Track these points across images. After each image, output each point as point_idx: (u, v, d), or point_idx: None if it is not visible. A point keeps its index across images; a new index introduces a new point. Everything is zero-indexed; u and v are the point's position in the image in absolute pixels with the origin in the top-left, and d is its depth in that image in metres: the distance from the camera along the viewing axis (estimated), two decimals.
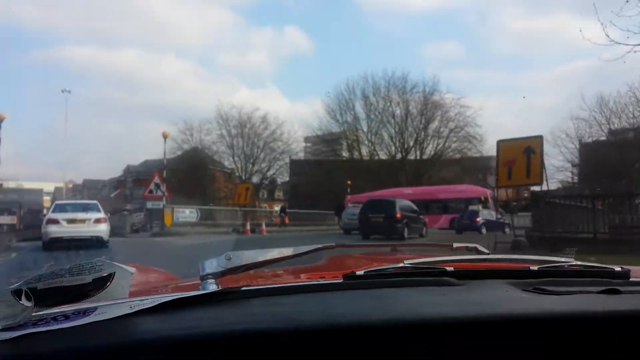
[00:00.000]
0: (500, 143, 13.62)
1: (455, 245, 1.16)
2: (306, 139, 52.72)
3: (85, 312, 0.71)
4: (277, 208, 43.74)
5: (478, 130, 44.64)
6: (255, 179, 50.88)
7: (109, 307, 0.73)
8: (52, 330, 0.66)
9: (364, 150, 49.06)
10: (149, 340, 0.64)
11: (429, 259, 1.05)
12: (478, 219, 26.61)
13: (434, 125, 46.90)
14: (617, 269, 1.04)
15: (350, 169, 44.13)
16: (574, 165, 41.24)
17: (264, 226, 25.93)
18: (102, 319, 0.69)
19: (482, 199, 30.92)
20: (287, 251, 1.02)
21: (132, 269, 0.78)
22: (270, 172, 52.92)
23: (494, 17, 69.65)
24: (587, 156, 39.31)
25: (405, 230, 19.68)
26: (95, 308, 0.72)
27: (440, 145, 47.34)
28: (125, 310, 0.72)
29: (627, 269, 1.05)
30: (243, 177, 48.48)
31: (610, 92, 38.45)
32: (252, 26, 78.11)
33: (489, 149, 39.88)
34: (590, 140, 39.26)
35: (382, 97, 47.83)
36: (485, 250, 1.16)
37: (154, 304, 0.74)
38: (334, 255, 1.63)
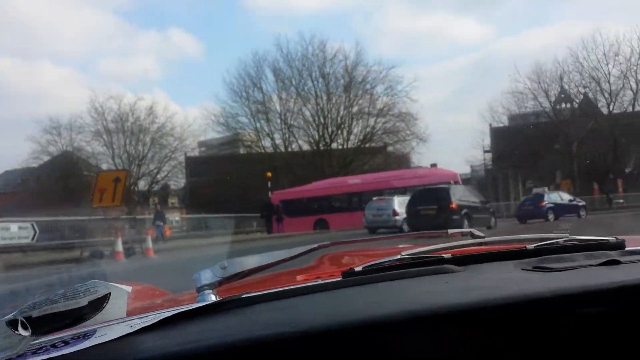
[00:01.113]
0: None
1: (450, 231, 1.16)
2: (200, 144, 45.23)
3: (85, 336, 0.69)
4: (175, 216, 35.35)
5: (413, 106, 39.98)
6: (144, 184, 41.36)
7: (108, 328, 0.71)
8: (53, 357, 0.64)
9: (279, 139, 41.70)
10: (154, 358, 0.62)
11: (426, 248, 1.05)
12: (543, 203, 22.70)
13: (362, 103, 40.55)
14: (612, 240, 1.05)
15: (261, 163, 37.03)
16: (485, 151, 43.34)
17: (149, 244, 15.15)
18: (103, 341, 0.67)
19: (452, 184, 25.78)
20: (282, 254, 1.01)
21: (128, 288, 0.76)
22: (162, 175, 42.61)
23: (377, 17, 69.54)
24: (497, 141, 41.19)
25: (465, 222, 16.55)
26: (95, 330, 0.71)
27: (369, 128, 41.20)
28: (126, 330, 0.70)
29: (622, 239, 1.06)
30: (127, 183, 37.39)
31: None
32: (135, 29, 73.57)
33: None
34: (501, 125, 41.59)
35: (297, 69, 40.85)
36: (481, 234, 1.16)
37: (155, 321, 0.72)
38: (326, 253, 1.62)
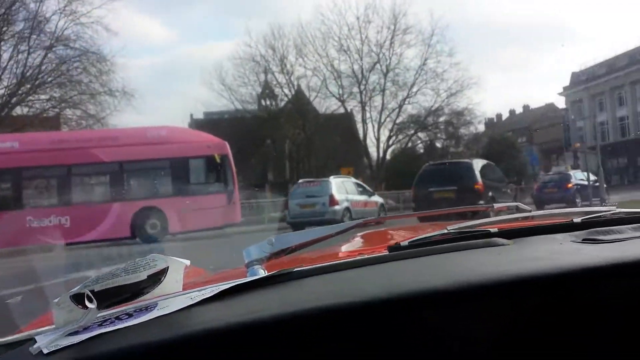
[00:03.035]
0: None
1: (496, 206, 1.15)
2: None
3: (147, 308, 0.71)
4: None
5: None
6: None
7: (169, 300, 0.73)
8: (119, 329, 0.66)
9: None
10: (217, 327, 0.63)
11: (472, 222, 1.04)
12: (570, 185, 18.41)
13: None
14: None
15: None
16: None
17: None
18: (166, 312, 0.69)
19: (217, 158, 15.24)
20: (327, 229, 1.02)
21: (187, 261, 0.77)
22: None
23: None
24: None
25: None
26: (156, 303, 0.72)
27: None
28: (187, 302, 0.71)
29: None
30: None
31: None
32: None
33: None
34: None
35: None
36: (527, 208, 1.15)
37: (215, 293, 0.73)
38: (361, 233, 1.63)
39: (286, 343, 0.64)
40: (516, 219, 1.14)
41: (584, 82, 45.54)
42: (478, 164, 13.95)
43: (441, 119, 37.88)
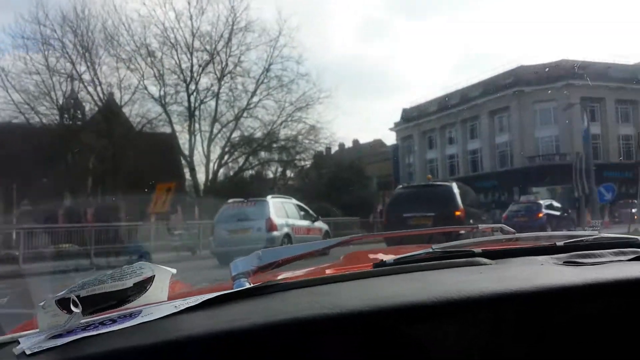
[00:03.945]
0: None
1: (481, 226, 1.17)
2: None
3: (131, 315, 0.71)
4: None
5: None
6: None
7: (153, 308, 0.73)
8: (102, 333, 0.66)
9: None
10: (200, 335, 0.64)
11: (456, 242, 1.06)
12: (541, 214, 17.77)
13: None
14: None
15: None
16: None
17: None
18: (149, 319, 0.70)
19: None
20: (315, 245, 1.03)
21: (173, 270, 0.78)
22: None
23: None
24: None
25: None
26: (140, 310, 0.73)
27: None
28: (171, 309, 0.72)
29: None
30: None
31: None
32: None
33: None
34: None
35: None
36: (511, 230, 1.17)
37: (199, 302, 0.74)
38: (351, 253, 1.64)
39: (266, 352, 0.65)
40: (500, 241, 1.16)
41: (415, 119, 44.53)
42: (457, 186, 12.15)
43: (275, 144, 31.29)
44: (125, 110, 28.54)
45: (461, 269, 0.91)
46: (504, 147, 40.52)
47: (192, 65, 29.17)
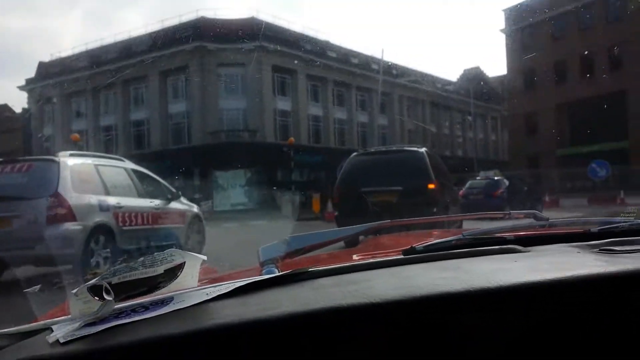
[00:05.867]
0: None
1: (513, 213, 1.15)
2: None
3: (163, 302, 0.71)
4: None
5: None
6: None
7: (185, 295, 0.73)
8: (135, 321, 0.66)
9: None
10: (232, 323, 0.64)
11: (487, 229, 1.04)
12: (499, 192, 16.44)
13: None
14: None
15: None
16: None
17: None
18: (181, 307, 0.69)
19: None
20: (343, 231, 1.02)
21: (204, 257, 0.78)
22: None
23: None
24: None
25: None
26: (172, 297, 0.73)
27: None
28: (202, 297, 0.72)
29: None
30: None
31: None
32: None
33: None
34: None
35: None
36: (544, 216, 1.14)
37: (230, 289, 0.74)
38: (374, 237, 1.62)
39: (298, 341, 0.64)
40: (532, 227, 1.13)
41: (57, 76, 33.52)
42: (430, 156, 9.18)
43: None
44: None
45: (495, 257, 0.89)
46: (180, 119, 32.68)
47: None
